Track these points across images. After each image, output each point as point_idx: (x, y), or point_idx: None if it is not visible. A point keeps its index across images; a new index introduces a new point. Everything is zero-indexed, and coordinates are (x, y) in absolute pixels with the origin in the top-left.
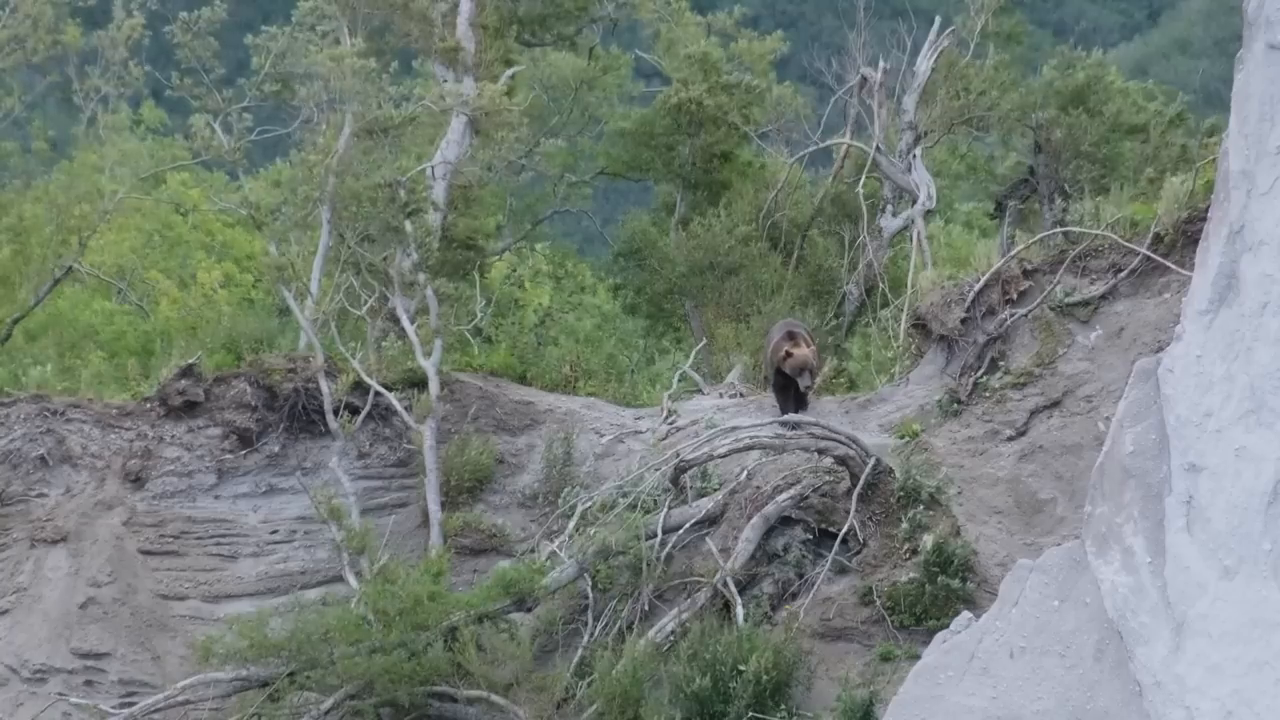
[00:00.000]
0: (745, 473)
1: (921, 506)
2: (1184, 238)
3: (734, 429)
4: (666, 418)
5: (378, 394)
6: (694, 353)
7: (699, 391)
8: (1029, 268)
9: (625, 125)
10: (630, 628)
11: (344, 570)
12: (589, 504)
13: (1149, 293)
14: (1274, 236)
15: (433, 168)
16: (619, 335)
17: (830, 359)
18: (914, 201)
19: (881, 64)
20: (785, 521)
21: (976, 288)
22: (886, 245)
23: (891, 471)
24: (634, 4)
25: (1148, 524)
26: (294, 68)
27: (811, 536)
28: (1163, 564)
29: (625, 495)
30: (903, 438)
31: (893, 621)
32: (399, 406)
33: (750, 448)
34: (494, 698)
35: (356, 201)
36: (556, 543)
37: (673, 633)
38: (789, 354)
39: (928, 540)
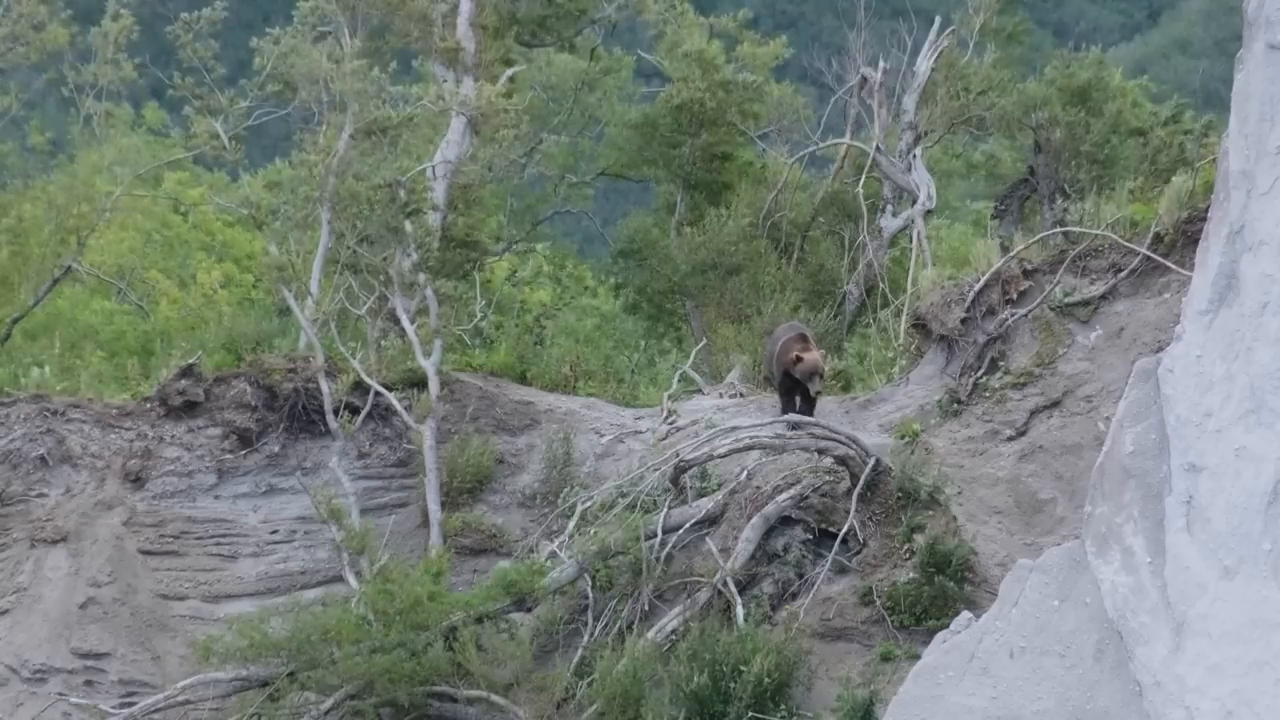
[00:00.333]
0: (745, 473)
1: (921, 507)
2: (1184, 238)
3: (734, 429)
4: (666, 418)
5: (378, 394)
6: (694, 353)
7: (699, 391)
8: (1029, 268)
9: (627, 120)
10: (630, 628)
11: (344, 570)
12: (589, 504)
13: (1149, 293)
14: (1274, 236)
15: (433, 168)
16: (618, 336)
17: (830, 359)
18: (914, 201)
19: (881, 64)
20: (785, 521)
21: (976, 288)
22: (886, 245)
23: (891, 471)
24: (635, 5)
25: (1148, 524)
26: (295, 69)
27: (811, 536)
28: (1163, 564)
29: (625, 495)
30: (903, 438)
31: (893, 621)
32: (399, 406)
33: (750, 448)
34: (494, 698)
35: (356, 202)
36: (556, 543)
37: (673, 633)
38: (799, 357)
39: (925, 540)
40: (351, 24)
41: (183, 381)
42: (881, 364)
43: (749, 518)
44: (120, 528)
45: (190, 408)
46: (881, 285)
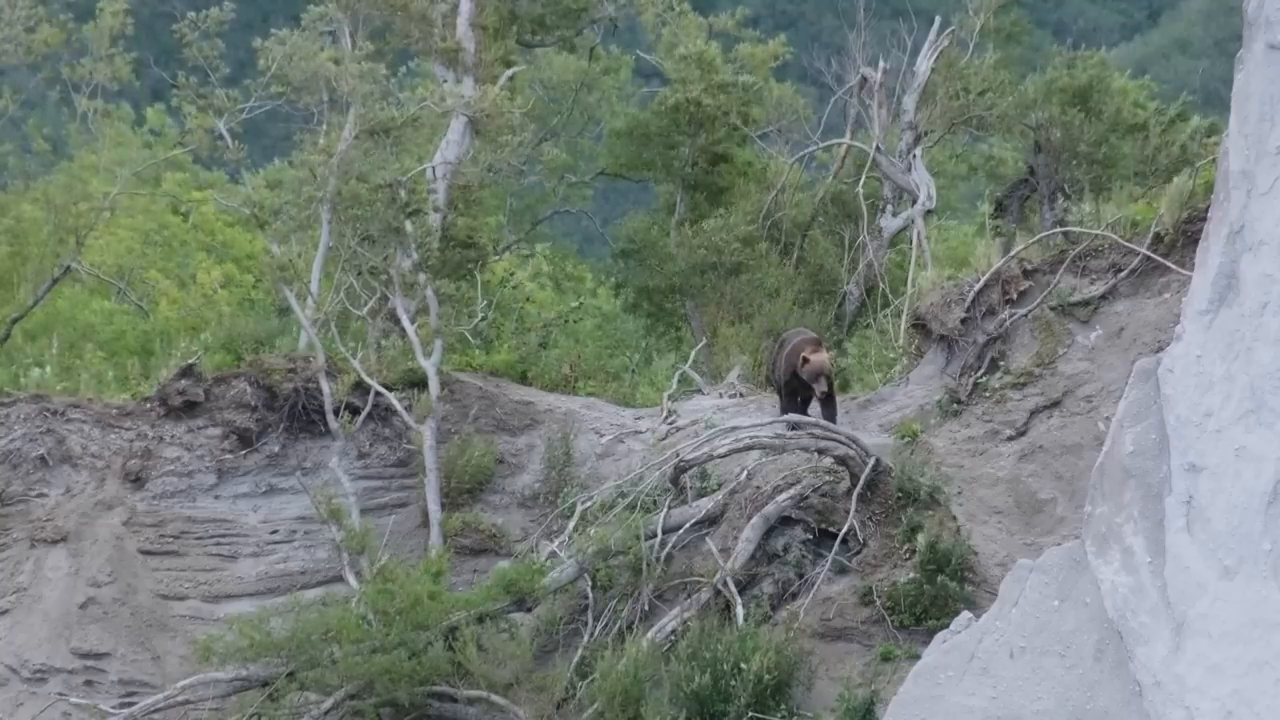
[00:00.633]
0: (745, 473)
1: (921, 506)
2: (1184, 238)
3: (734, 429)
4: (666, 418)
5: (378, 394)
6: (694, 353)
7: (699, 391)
8: (1029, 268)
9: (617, 127)
10: (630, 628)
11: (344, 570)
12: (589, 504)
13: (1149, 293)
14: (1274, 236)
15: (433, 168)
16: (618, 336)
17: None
18: (914, 201)
19: (881, 64)
20: (785, 521)
21: (976, 288)
22: (886, 245)
23: (891, 471)
24: (635, 5)
25: (1148, 524)
26: (299, 70)
27: (811, 536)
28: (1163, 564)
29: (625, 495)
30: (903, 438)
31: (893, 621)
32: (399, 406)
33: (750, 448)
34: (494, 698)
35: (357, 202)
36: (556, 543)
37: (673, 632)
38: (807, 359)
39: (925, 540)
40: (353, 25)
41: (183, 381)
42: (881, 364)
43: (749, 518)
44: (120, 528)
45: (190, 408)
46: (881, 285)
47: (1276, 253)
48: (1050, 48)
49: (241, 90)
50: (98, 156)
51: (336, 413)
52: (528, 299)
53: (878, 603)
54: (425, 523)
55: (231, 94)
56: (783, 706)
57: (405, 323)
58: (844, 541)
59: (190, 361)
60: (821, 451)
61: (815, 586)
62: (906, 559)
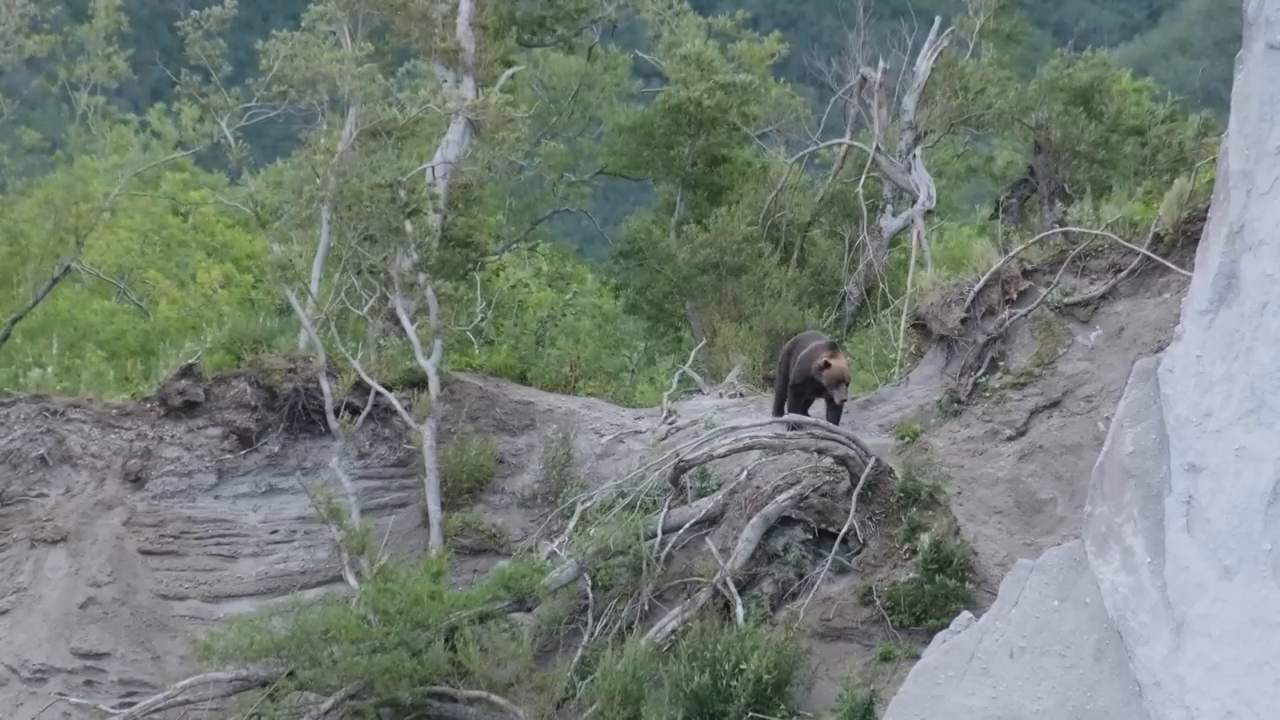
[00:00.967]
0: (745, 473)
1: (921, 506)
2: (1184, 238)
3: (734, 429)
4: (666, 418)
5: (378, 394)
6: (694, 353)
7: (699, 391)
8: (1029, 268)
9: (620, 123)
10: (630, 628)
11: (344, 570)
12: (589, 504)
13: (1149, 293)
14: (1274, 236)
15: (433, 168)
16: (617, 336)
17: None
18: (914, 201)
19: (881, 64)
20: (785, 521)
21: (976, 288)
22: (886, 245)
23: (891, 471)
24: (634, 4)
25: (1148, 524)
26: (300, 70)
27: (811, 536)
28: (1163, 564)
29: (625, 495)
30: (903, 438)
31: (893, 621)
32: (399, 406)
33: (750, 448)
34: (494, 697)
35: (358, 202)
36: (556, 543)
37: (673, 632)
38: (828, 363)
39: (925, 540)
40: (353, 25)
41: (183, 381)
42: (881, 364)
43: (749, 518)
44: (120, 528)
45: (190, 408)
46: (881, 285)
47: (1276, 253)
48: (1050, 48)
49: (242, 90)
50: (98, 161)
51: (336, 413)
52: (526, 288)
53: (878, 603)
54: (425, 523)
55: (233, 93)
56: (783, 706)
57: (405, 322)
58: (844, 541)
59: (190, 361)
60: (821, 451)
61: (815, 586)
62: (906, 559)
